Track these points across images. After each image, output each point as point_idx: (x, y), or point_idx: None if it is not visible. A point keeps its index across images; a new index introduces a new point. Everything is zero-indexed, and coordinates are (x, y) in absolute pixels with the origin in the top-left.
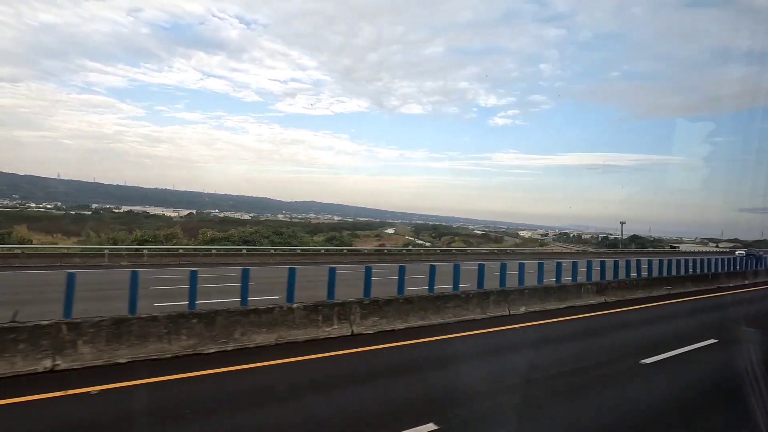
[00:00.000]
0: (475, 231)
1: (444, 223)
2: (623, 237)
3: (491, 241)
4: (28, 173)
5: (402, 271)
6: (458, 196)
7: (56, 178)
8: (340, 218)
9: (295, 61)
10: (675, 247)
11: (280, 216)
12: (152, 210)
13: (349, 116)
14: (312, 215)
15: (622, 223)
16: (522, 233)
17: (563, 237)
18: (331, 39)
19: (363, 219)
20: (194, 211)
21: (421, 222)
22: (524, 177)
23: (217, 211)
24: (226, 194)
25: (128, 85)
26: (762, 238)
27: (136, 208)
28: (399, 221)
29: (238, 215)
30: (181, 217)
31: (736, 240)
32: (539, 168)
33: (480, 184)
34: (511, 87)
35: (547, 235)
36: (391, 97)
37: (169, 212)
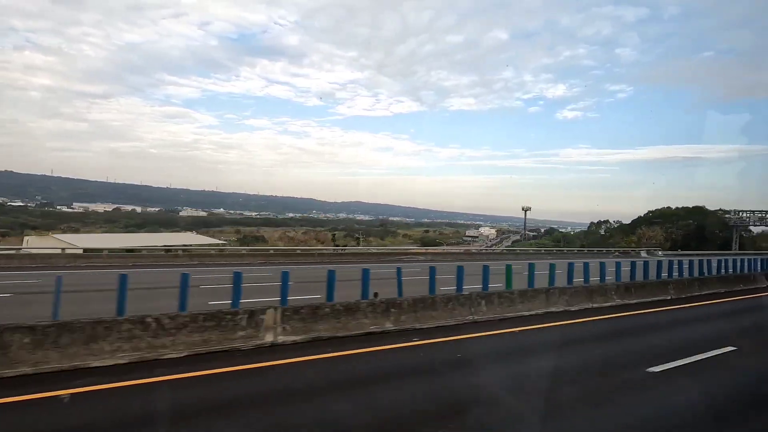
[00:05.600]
0: (485, 229)
1: (492, 224)
2: (525, 231)
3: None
4: (82, 177)
5: None
6: (519, 196)
7: (102, 180)
8: (356, 216)
9: (349, 61)
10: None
11: (293, 215)
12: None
13: (407, 116)
14: (342, 215)
15: (524, 210)
16: (484, 231)
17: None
18: (358, 32)
19: (396, 218)
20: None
21: (468, 222)
22: (597, 174)
23: (223, 210)
24: (269, 195)
25: (201, 96)
26: None
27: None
28: (437, 221)
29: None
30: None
31: None
32: (614, 163)
33: (544, 182)
34: (583, 76)
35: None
36: (443, 91)
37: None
